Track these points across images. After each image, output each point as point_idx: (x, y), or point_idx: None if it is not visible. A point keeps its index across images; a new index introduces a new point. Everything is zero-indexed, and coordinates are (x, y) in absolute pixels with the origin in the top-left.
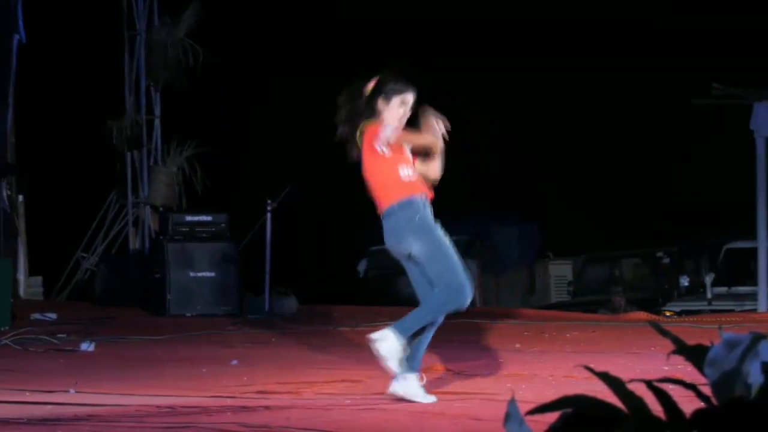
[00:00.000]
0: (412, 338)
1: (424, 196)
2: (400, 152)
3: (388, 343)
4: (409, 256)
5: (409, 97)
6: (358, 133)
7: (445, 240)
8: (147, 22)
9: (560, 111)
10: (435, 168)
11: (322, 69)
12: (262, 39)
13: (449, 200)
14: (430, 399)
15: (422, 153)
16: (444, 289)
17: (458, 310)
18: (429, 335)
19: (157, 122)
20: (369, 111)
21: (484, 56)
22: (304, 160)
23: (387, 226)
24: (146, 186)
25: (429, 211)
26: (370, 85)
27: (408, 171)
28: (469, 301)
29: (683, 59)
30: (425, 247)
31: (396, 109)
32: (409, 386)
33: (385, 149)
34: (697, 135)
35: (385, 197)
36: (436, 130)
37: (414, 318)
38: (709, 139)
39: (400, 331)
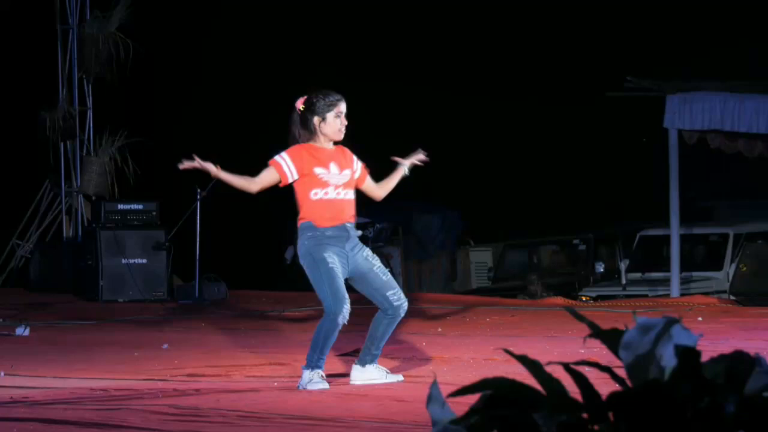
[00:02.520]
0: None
1: (329, 228)
2: (310, 175)
3: (305, 378)
4: None
5: (342, 107)
6: None
7: (329, 266)
8: (79, 17)
9: (482, 102)
10: (384, 189)
11: (252, 61)
12: (192, 30)
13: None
14: (395, 378)
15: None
16: (324, 317)
17: (339, 328)
18: (379, 330)
19: (89, 113)
20: (307, 132)
21: (408, 52)
22: (233, 150)
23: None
24: (79, 175)
25: (327, 242)
26: (300, 104)
27: (322, 194)
28: (344, 319)
29: (598, 53)
30: (309, 273)
31: (333, 123)
32: (369, 373)
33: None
34: (611, 125)
35: (299, 215)
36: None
37: (313, 350)
38: (624, 129)
39: (311, 365)
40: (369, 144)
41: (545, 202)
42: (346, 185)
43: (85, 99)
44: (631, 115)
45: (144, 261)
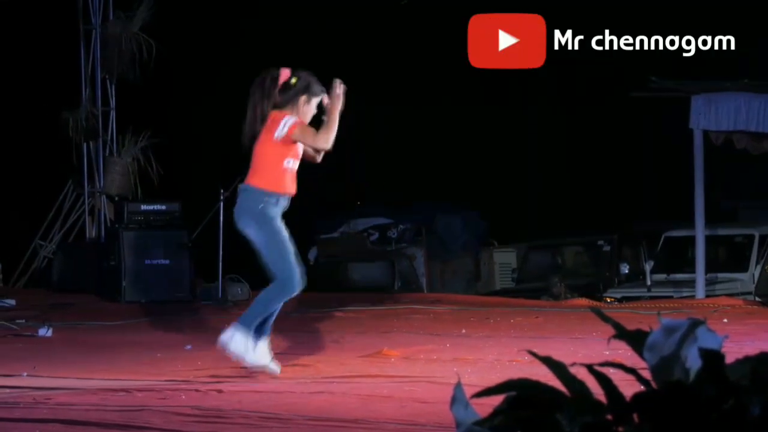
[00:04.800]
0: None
1: (284, 195)
2: (290, 144)
3: (236, 340)
4: (245, 236)
5: (324, 99)
6: (268, 116)
7: (281, 232)
8: (102, 17)
9: (504, 102)
10: (327, 137)
11: (275, 60)
12: (214, 30)
13: (397, 190)
14: (274, 368)
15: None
16: (276, 282)
17: (291, 297)
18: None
19: (112, 114)
20: (290, 104)
21: (427, 51)
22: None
23: (237, 200)
24: (102, 176)
25: (279, 209)
26: (285, 76)
27: (291, 163)
28: (299, 288)
29: (624, 52)
30: (260, 236)
31: (312, 108)
32: (256, 352)
33: (279, 137)
34: (636, 126)
35: (254, 174)
36: (340, 98)
37: (253, 312)
38: (649, 129)
39: (245, 324)
40: (390, 146)
41: (569, 203)
42: None
43: (108, 99)
44: (656, 115)
45: (167, 262)
